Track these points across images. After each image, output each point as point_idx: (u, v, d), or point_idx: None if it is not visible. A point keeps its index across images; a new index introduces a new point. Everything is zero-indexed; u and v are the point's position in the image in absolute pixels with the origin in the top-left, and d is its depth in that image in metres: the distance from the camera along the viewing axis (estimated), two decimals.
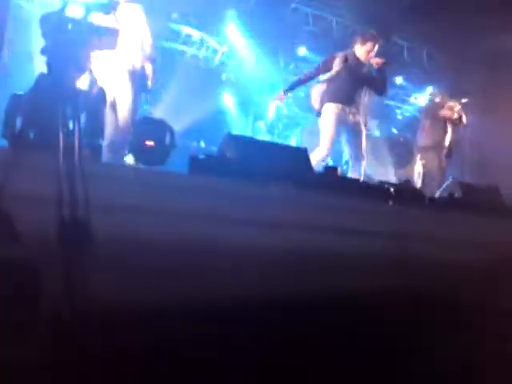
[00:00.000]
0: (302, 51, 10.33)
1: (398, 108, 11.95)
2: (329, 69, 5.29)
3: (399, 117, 11.93)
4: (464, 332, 1.52)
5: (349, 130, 5.20)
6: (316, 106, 5.43)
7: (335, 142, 5.27)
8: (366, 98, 5.29)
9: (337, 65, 5.23)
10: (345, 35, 11.33)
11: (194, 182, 3.04)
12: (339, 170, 4.16)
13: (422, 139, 6.89)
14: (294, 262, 2.17)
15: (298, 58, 10.41)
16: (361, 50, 5.25)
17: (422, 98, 11.61)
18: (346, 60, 5.23)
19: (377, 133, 10.42)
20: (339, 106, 5.14)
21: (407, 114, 11.89)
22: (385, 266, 2.54)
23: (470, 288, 2.13)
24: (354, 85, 5.20)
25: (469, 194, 3.81)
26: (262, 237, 2.48)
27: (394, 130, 11.44)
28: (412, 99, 11.79)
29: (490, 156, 9.26)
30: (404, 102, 11.94)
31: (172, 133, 4.30)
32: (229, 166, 3.28)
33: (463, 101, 7.03)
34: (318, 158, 4.99)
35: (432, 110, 7.07)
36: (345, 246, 2.72)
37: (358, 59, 5.27)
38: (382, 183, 4.11)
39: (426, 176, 6.48)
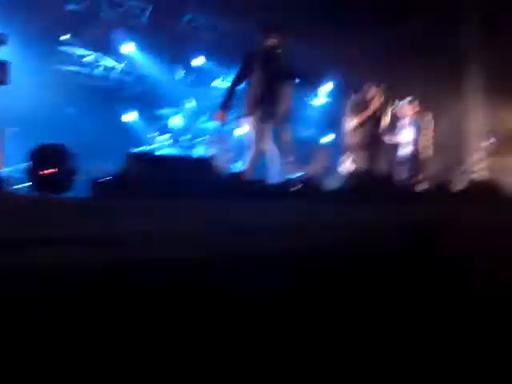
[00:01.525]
0: (200, 61, 10.45)
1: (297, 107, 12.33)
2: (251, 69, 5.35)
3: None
4: None
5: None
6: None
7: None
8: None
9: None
10: (239, 44, 11.59)
11: (97, 205, 3.04)
12: (244, 174, 4.29)
13: (350, 137, 7.10)
14: (208, 269, 2.24)
15: (196, 68, 10.53)
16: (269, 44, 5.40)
17: (316, 100, 12.13)
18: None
19: None
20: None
21: (306, 112, 12.34)
22: (295, 263, 2.65)
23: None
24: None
25: (365, 182, 4.08)
26: (175, 250, 2.52)
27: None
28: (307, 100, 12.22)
29: None
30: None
31: (73, 157, 4.22)
32: (133, 186, 3.31)
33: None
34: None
35: (356, 107, 7.17)
36: (255, 245, 2.82)
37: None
38: (286, 182, 4.29)
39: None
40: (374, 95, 6.91)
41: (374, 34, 11.87)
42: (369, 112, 6.85)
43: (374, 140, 6.86)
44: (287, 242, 2.53)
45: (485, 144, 11.39)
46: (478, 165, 11.34)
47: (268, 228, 2.81)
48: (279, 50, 5.43)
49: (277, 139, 5.32)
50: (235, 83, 5.45)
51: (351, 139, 6.96)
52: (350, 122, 6.89)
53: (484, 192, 4.60)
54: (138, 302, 1.31)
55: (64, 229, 2.44)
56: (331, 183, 5.36)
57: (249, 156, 5.25)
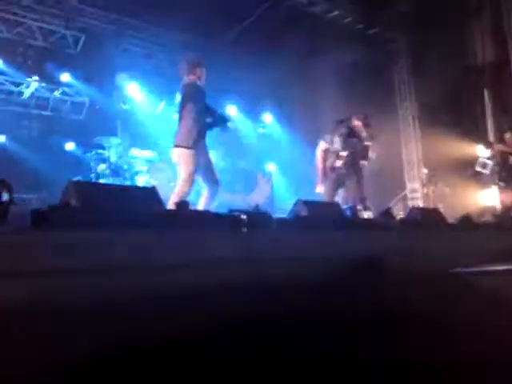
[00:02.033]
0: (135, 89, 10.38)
1: (239, 137, 12.43)
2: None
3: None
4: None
5: None
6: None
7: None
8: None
9: None
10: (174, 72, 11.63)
11: (36, 237, 2.84)
12: (189, 204, 4.17)
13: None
14: (154, 303, 2.12)
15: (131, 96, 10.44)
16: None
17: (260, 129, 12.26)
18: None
19: (222, 163, 10.69)
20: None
21: (246, 142, 12.44)
22: (243, 293, 2.58)
23: (324, 302, 2.25)
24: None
25: (314, 211, 4.06)
26: (119, 284, 2.39)
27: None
28: None
29: None
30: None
31: (10, 188, 3.98)
32: (74, 216, 3.12)
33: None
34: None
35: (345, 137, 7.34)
36: (204, 277, 2.72)
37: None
38: (233, 211, 4.20)
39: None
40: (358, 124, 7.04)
41: (304, 62, 12.28)
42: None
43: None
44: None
45: (421, 173, 11.83)
46: (414, 193, 11.74)
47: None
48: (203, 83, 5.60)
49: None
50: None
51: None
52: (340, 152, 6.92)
53: (426, 219, 4.70)
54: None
55: None
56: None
57: (184, 186, 5.26)
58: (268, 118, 12.89)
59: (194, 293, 2.34)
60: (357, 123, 7.11)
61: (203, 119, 5.51)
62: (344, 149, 6.88)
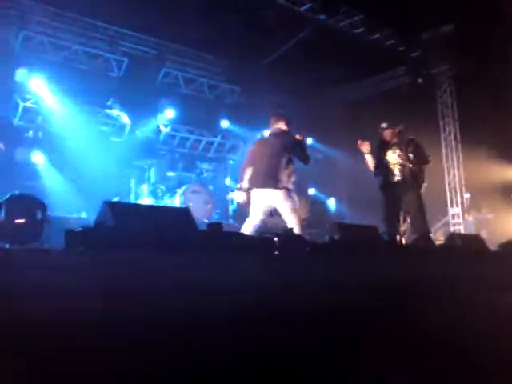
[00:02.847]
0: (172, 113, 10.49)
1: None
2: None
3: None
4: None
5: None
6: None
7: None
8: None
9: None
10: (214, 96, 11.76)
11: (70, 257, 2.87)
12: (223, 225, 4.16)
13: None
14: (192, 324, 2.09)
15: (172, 120, 10.60)
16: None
17: None
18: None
19: None
20: None
21: None
22: (272, 317, 2.52)
23: (355, 330, 2.17)
24: None
25: (347, 235, 3.98)
26: (155, 304, 2.38)
27: None
28: None
29: None
30: None
31: (44, 207, 4.08)
32: (108, 236, 3.15)
33: None
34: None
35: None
36: (238, 302, 2.68)
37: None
38: (266, 234, 4.17)
39: None
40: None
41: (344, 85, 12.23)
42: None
43: None
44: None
45: (463, 198, 11.51)
46: (456, 218, 11.41)
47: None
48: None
49: None
50: None
51: None
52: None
53: (467, 246, 4.54)
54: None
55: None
56: None
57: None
58: (309, 140, 12.88)
59: (229, 315, 2.30)
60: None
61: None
62: None
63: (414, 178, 6.34)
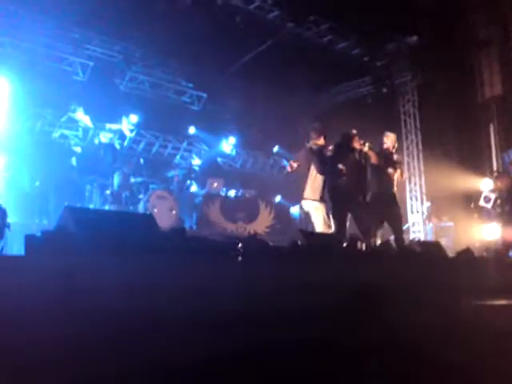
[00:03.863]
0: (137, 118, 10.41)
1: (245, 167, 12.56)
2: None
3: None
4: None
5: None
6: None
7: None
8: None
9: None
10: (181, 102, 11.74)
11: (31, 262, 2.82)
12: (187, 230, 4.16)
13: None
14: (147, 326, 2.08)
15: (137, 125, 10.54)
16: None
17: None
18: None
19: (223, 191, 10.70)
20: None
21: (250, 172, 12.56)
22: (234, 322, 2.53)
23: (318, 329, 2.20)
24: None
25: (310, 242, 4.03)
26: (120, 303, 2.36)
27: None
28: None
29: None
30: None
31: (4, 212, 3.99)
32: (69, 242, 3.10)
33: None
34: None
35: None
36: (198, 305, 2.68)
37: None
38: (229, 239, 4.18)
39: None
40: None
41: (312, 94, 12.38)
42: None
43: None
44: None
45: (424, 206, 11.77)
46: (417, 226, 11.65)
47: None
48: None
49: None
50: None
51: None
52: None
53: (426, 252, 4.65)
54: None
55: None
56: None
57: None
58: (275, 148, 12.95)
59: (184, 318, 2.29)
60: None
61: None
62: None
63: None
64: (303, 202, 6.44)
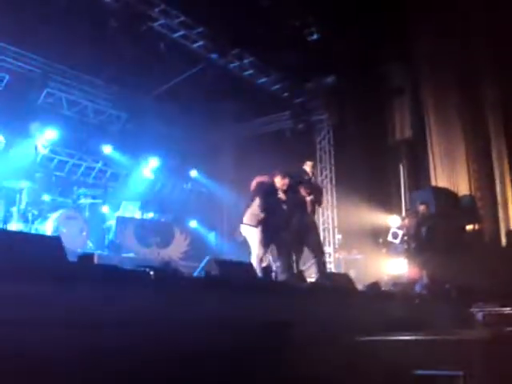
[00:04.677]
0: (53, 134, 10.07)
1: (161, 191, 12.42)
2: None
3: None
4: None
5: None
6: None
7: None
8: None
9: None
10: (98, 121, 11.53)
11: None
12: (95, 257, 4.00)
13: None
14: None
15: (52, 142, 10.15)
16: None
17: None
18: None
19: (138, 215, 10.47)
20: None
21: (166, 196, 12.46)
22: (152, 354, 2.47)
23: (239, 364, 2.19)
24: None
25: (225, 271, 4.01)
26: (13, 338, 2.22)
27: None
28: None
29: None
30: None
31: None
32: None
33: None
34: None
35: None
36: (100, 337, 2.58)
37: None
38: (141, 267, 4.06)
39: None
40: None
41: (230, 123, 12.57)
42: None
43: None
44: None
45: (335, 238, 12.14)
46: (328, 257, 11.96)
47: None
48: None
49: None
50: None
51: None
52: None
53: (336, 284, 4.78)
54: None
55: None
56: None
57: None
58: (193, 173, 12.95)
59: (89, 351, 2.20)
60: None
61: None
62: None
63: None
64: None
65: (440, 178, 10.67)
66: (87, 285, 3.11)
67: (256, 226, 6.52)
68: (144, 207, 10.59)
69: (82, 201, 9.71)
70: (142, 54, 9.10)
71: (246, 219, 6.60)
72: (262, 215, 6.60)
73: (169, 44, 9.47)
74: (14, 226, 8.16)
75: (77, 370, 1.82)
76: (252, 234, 6.52)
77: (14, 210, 8.47)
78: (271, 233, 6.58)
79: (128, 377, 1.84)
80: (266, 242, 6.55)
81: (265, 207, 6.62)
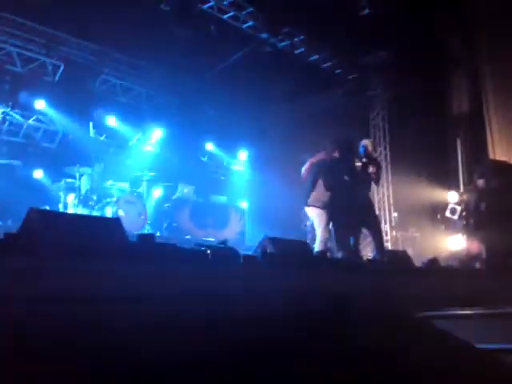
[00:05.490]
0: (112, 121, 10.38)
1: (215, 173, 12.56)
2: None
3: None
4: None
5: None
6: None
7: None
8: None
9: None
10: (151, 106, 11.70)
11: None
12: (156, 237, 4.09)
13: None
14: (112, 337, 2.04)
15: (107, 128, 10.43)
16: None
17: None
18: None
19: (194, 198, 10.63)
20: None
21: (220, 178, 12.56)
22: (208, 329, 2.50)
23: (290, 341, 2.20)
24: None
25: (280, 248, 4.03)
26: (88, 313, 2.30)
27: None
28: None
29: None
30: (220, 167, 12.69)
31: None
32: (34, 245, 3.02)
33: None
34: None
35: None
36: (168, 315, 2.64)
37: None
38: (198, 245, 4.14)
39: None
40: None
41: (281, 103, 12.48)
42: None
43: None
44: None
45: (392, 216, 11.94)
46: (384, 236, 11.78)
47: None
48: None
49: None
50: None
51: None
52: None
53: (394, 261, 4.71)
54: None
55: None
56: None
57: None
58: (243, 155, 13.00)
59: (154, 327, 2.25)
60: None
61: None
62: None
63: None
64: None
65: (499, 152, 10.27)
66: (148, 263, 3.20)
67: (322, 208, 6.30)
68: (198, 189, 10.75)
69: (139, 185, 9.95)
70: (194, 37, 9.14)
71: (310, 201, 6.37)
72: (327, 195, 6.34)
73: (219, 25, 9.48)
74: (76, 211, 8.48)
75: (148, 344, 1.87)
76: (319, 216, 6.29)
77: (73, 196, 8.80)
78: (338, 213, 6.33)
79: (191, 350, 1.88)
80: (332, 224, 6.34)
81: (330, 185, 6.35)
